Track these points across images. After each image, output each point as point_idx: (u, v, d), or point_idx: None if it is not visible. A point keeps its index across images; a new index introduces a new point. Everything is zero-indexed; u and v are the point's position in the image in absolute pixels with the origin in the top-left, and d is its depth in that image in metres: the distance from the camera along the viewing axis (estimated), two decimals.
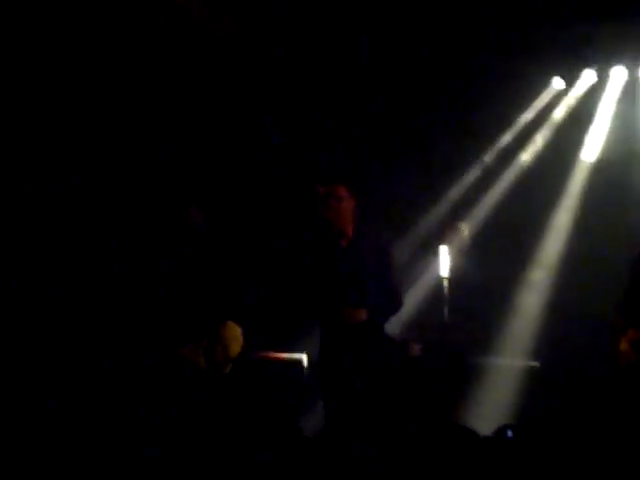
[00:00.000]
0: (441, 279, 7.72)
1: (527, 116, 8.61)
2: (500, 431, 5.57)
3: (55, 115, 6.82)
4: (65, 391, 6.03)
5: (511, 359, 7.65)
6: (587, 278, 7.91)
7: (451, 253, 7.78)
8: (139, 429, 5.44)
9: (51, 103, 6.72)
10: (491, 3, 7.40)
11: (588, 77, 8.43)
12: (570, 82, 8.51)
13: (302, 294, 5.66)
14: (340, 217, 5.59)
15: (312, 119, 8.06)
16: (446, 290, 7.63)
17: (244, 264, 7.25)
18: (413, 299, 7.92)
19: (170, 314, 5.54)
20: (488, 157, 8.63)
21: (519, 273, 8.34)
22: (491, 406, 7.10)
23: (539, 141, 8.64)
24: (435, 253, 7.81)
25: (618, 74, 8.30)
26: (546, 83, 8.53)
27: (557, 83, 8.53)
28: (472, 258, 8.05)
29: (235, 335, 5.74)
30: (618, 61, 8.23)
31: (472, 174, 8.65)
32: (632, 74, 8.26)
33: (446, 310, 7.60)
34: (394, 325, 6.62)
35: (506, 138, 8.64)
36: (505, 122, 8.58)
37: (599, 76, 8.40)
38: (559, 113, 8.62)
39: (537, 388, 7.22)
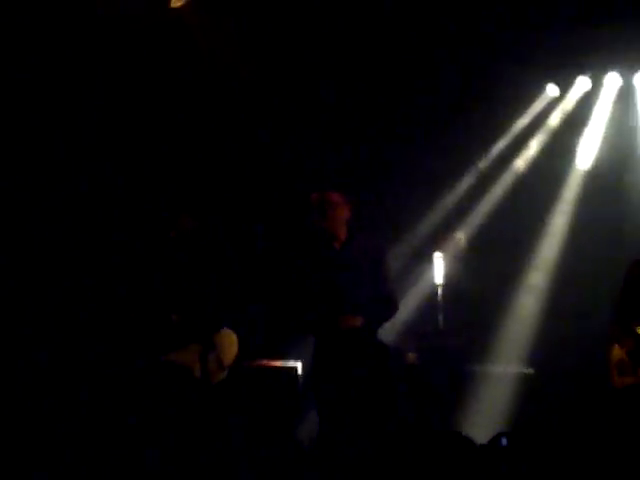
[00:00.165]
0: (436, 286, 7.72)
1: (522, 123, 8.61)
2: (495, 439, 5.56)
3: (52, 124, 6.81)
4: (60, 395, 6.02)
5: (506, 366, 7.64)
6: (582, 285, 7.91)
7: (446, 260, 7.78)
8: (133, 436, 5.43)
9: (46, 115, 6.72)
10: (485, 10, 7.40)
11: (582, 84, 8.43)
12: (564, 89, 8.51)
13: (297, 301, 5.64)
14: (334, 224, 5.58)
15: (307, 124, 8.05)
16: (440, 297, 7.62)
17: (239, 272, 7.24)
18: (408, 306, 7.91)
19: (164, 321, 5.52)
20: (482, 164, 8.62)
21: (514, 280, 8.33)
22: (486, 413, 7.09)
23: (533, 148, 8.63)
24: (430, 260, 7.81)
25: (612, 81, 8.31)
26: (540, 90, 8.53)
27: (551, 90, 8.53)
28: (467, 265, 8.05)
29: (230, 342, 5.73)
30: (612, 68, 8.23)
31: (467, 181, 8.65)
32: (626, 81, 8.27)
33: (441, 317, 7.60)
34: (389, 332, 6.61)
35: (501, 145, 8.64)
36: (500, 129, 8.58)
37: (593, 83, 8.41)
38: (553, 120, 8.62)
39: (532, 395, 7.21)
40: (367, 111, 8.19)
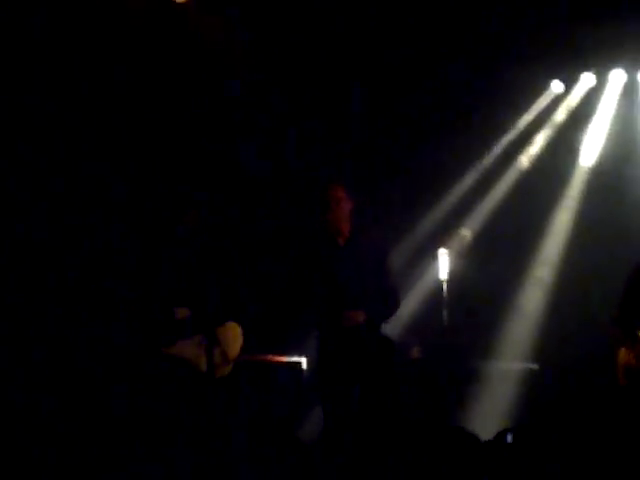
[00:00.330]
0: (440, 282, 7.73)
1: (526, 119, 8.60)
2: (500, 435, 5.57)
3: (53, 120, 6.82)
4: (63, 390, 6.02)
5: (511, 362, 7.66)
6: (586, 282, 7.91)
7: (450, 256, 7.79)
8: (137, 431, 5.44)
9: (48, 111, 6.72)
10: (490, 6, 7.39)
11: (587, 80, 8.43)
12: (569, 85, 8.50)
13: (301, 296, 5.64)
14: (338, 218, 5.58)
15: (310, 121, 8.06)
16: (445, 293, 7.63)
17: (243, 266, 7.25)
18: (412, 302, 7.93)
19: (168, 315, 5.52)
20: (487, 161, 8.62)
21: (518, 276, 8.34)
22: (491, 409, 7.10)
23: (538, 144, 8.63)
24: (434, 256, 7.81)
25: (617, 77, 8.30)
26: (545, 86, 8.52)
27: (556, 86, 8.53)
28: (472, 261, 8.05)
29: (235, 336, 5.73)
30: (617, 64, 8.23)
31: (471, 177, 8.64)
32: (631, 77, 8.26)
33: (445, 313, 7.60)
34: (393, 327, 6.62)
35: (505, 141, 8.63)
36: (505, 125, 8.58)
37: (598, 79, 8.40)
38: (558, 116, 8.62)
39: (537, 391, 7.22)
40: (372, 108, 8.19)
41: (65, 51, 6.70)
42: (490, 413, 7.04)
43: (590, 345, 7.27)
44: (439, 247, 7.88)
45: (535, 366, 7.49)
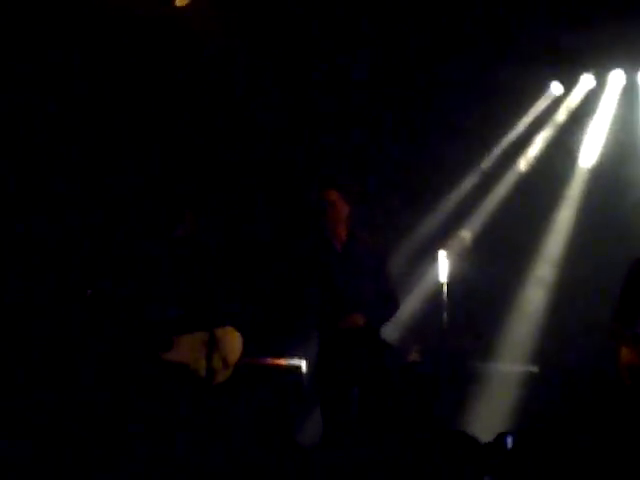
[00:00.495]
0: (440, 284, 7.72)
1: (526, 120, 8.60)
2: (500, 438, 5.56)
3: (54, 121, 6.82)
4: (57, 394, 6.00)
5: (511, 365, 7.65)
6: (587, 284, 7.89)
7: (450, 258, 7.78)
8: (135, 437, 5.43)
9: (48, 113, 6.73)
10: (488, 7, 7.38)
11: (586, 81, 8.42)
12: (568, 86, 8.49)
13: (299, 300, 5.64)
14: (334, 222, 5.58)
15: (309, 122, 8.05)
16: (445, 295, 7.62)
17: (241, 270, 7.24)
18: (412, 305, 7.92)
19: (167, 319, 5.52)
20: (487, 162, 8.62)
21: (518, 278, 8.33)
22: (491, 412, 7.09)
23: (538, 145, 8.63)
24: (434, 259, 7.80)
25: (616, 78, 8.29)
26: (545, 88, 8.52)
27: (555, 88, 8.52)
28: (472, 263, 8.04)
29: (234, 341, 5.72)
30: (616, 65, 8.22)
31: (471, 179, 8.64)
32: (630, 78, 8.25)
33: (445, 315, 7.59)
34: (393, 330, 6.61)
35: (505, 143, 8.63)
36: (504, 127, 8.57)
37: (597, 80, 8.39)
38: (558, 117, 8.61)
39: (537, 394, 7.21)
40: (370, 110, 8.19)
41: (62, 52, 6.71)
42: (490, 416, 7.02)
43: (591, 348, 7.26)
44: (439, 249, 7.88)
45: (535, 369, 7.48)
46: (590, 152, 8.47)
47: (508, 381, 7.39)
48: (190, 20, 7.14)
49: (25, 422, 5.72)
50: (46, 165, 6.77)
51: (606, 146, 8.41)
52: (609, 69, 8.26)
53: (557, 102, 8.59)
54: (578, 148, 8.52)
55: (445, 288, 7.65)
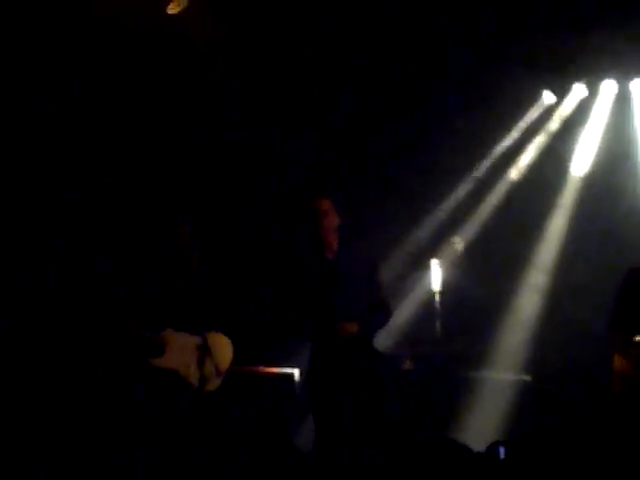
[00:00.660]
0: (433, 293, 7.72)
1: (518, 129, 8.62)
2: (492, 447, 5.56)
3: (42, 128, 6.82)
4: (45, 404, 5.98)
5: (503, 373, 7.65)
6: (579, 292, 7.91)
7: (443, 267, 7.79)
8: (126, 445, 5.41)
9: (38, 119, 6.73)
10: (480, 17, 7.40)
11: (578, 91, 8.45)
12: (561, 96, 8.52)
13: (291, 308, 5.64)
14: (325, 232, 5.58)
15: (300, 131, 8.06)
16: (438, 304, 7.62)
17: (234, 278, 7.24)
18: (405, 313, 7.92)
19: (157, 326, 5.50)
20: (479, 171, 8.64)
21: (511, 286, 8.34)
22: (483, 421, 7.08)
23: (530, 154, 8.65)
24: (427, 267, 7.81)
25: (609, 87, 8.32)
26: (537, 97, 8.54)
27: (547, 97, 8.55)
28: (465, 272, 8.05)
29: (225, 348, 5.71)
30: (608, 75, 8.25)
31: (464, 188, 8.65)
32: (622, 87, 8.28)
33: (438, 324, 7.60)
34: (386, 339, 6.60)
35: (497, 152, 8.65)
36: (496, 136, 8.59)
37: (589, 89, 8.42)
38: (550, 126, 8.64)
39: (529, 403, 7.21)
40: (361, 119, 8.19)
41: (57, 58, 6.72)
42: (482, 425, 7.02)
43: (583, 357, 7.27)
44: (432, 258, 7.89)
45: (528, 378, 7.48)
46: (582, 160, 8.50)
47: (501, 390, 7.39)
48: (182, 27, 7.14)
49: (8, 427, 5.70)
50: (39, 171, 6.77)
51: (598, 154, 8.44)
52: (601, 78, 8.29)
53: (549, 111, 8.61)
54: (570, 156, 8.54)
55: (438, 297, 7.66)
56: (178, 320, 5.54)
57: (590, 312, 7.37)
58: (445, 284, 7.76)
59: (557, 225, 8.48)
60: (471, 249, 8.46)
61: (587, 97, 8.46)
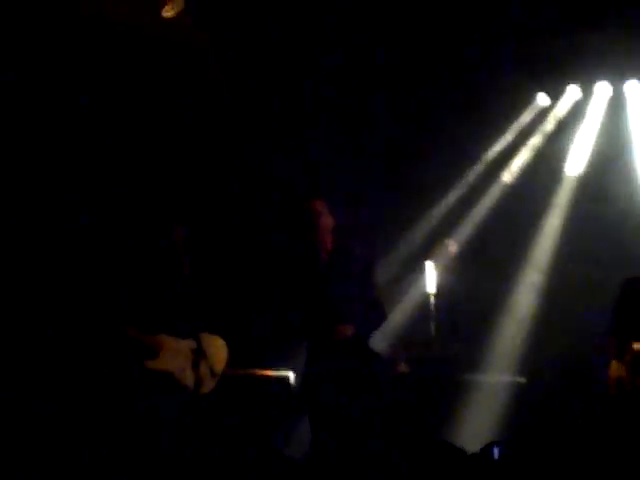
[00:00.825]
0: (427, 295, 7.73)
1: (512, 131, 8.64)
2: (487, 448, 5.56)
3: (39, 131, 6.82)
4: (38, 409, 5.97)
5: (498, 375, 7.65)
6: (573, 294, 7.92)
7: (437, 269, 7.79)
8: (119, 448, 5.40)
9: (34, 123, 6.73)
10: (474, 20, 7.42)
11: (573, 93, 8.47)
12: (555, 98, 8.54)
13: (286, 310, 5.64)
14: (320, 233, 5.59)
15: (294, 136, 8.07)
16: (432, 306, 7.62)
17: (229, 281, 7.24)
18: (400, 315, 7.92)
19: (150, 328, 5.49)
20: (473, 174, 8.65)
21: (506, 288, 8.35)
22: (478, 422, 7.09)
23: (524, 156, 8.67)
24: (421, 269, 7.82)
25: (602, 89, 8.34)
26: (531, 99, 8.56)
27: (542, 99, 8.57)
28: (459, 274, 8.06)
29: (220, 350, 5.70)
30: (602, 77, 8.27)
31: (458, 190, 8.67)
32: (616, 90, 8.31)
33: (432, 326, 7.60)
34: (381, 341, 6.60)
35: (491, 154, 8.67)
36: (490, 138, 8.61)
37: (583, 92, 8.44)
38: (544, 128, 8.66)
39: (524, 404, 7.22)
40: (356, 123, 8.20)
41: (52, 61, 6.72)
42: (477, 426, 7.03)
43: (577, 359, 7.29)
44: (426, 260, 7.89)
45: (522, 379, 7.49)
46: (577, 161, 8.52)
47: (495, 391, 7.40)
48: (177, 31, 7.15)
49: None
50: (38, 171, 6.77)
51: (592, 155, 8.46)
52: (595, 81, 8.31)
53: (544, 113, 8.63)
54: (565, 157, 8.56)
55: (432, 299, 7.66)
56: (171, 323, 5.53)
57: (584, 313, 7.40)
58: (440, 286, 7.76)
59: (552, 225, 8.50)
60: (466, 250, 8.47)
61: (581, 99, 8.49)
